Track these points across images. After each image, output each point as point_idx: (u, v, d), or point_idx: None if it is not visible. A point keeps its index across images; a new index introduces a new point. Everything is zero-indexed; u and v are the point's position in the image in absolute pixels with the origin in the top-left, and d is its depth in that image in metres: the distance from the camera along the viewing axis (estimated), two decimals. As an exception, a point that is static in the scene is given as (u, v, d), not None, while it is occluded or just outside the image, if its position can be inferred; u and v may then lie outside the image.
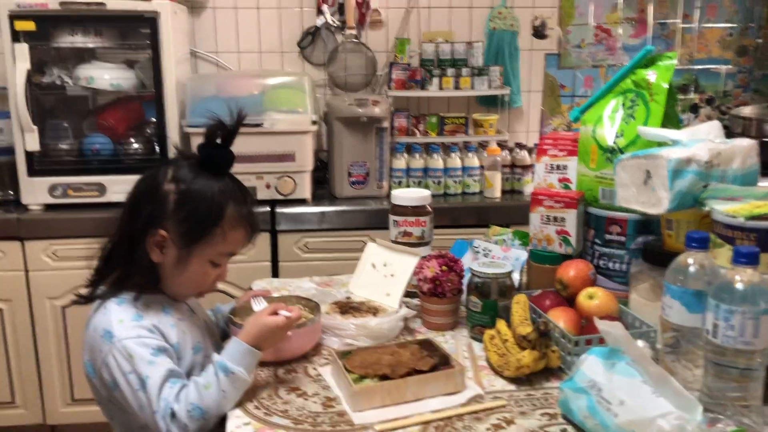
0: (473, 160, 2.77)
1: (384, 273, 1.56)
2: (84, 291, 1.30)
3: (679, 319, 1.14)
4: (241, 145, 2.46)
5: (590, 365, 1.11)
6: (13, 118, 2.41)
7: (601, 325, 1.09)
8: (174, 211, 1.22)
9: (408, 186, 2.75)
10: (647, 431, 0.97)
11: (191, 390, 1.16)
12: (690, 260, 1.13)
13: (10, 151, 2.51)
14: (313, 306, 1.43)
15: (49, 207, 2.52)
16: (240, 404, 1.18)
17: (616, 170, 1.31)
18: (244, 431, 1.11)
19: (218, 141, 1.24)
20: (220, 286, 2.52)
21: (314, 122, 2.58)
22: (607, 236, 1.47)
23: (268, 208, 2.52)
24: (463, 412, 1.16)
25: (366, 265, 1.61)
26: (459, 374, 1.22)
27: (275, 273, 2.57)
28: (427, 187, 2.75)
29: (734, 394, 1.06)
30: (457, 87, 2.87)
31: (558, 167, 1.58)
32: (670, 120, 1.47)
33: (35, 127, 2.41)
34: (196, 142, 2.50)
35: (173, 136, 2.50)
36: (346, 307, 1.50)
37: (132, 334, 1.20)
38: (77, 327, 2.52)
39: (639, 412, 0.99)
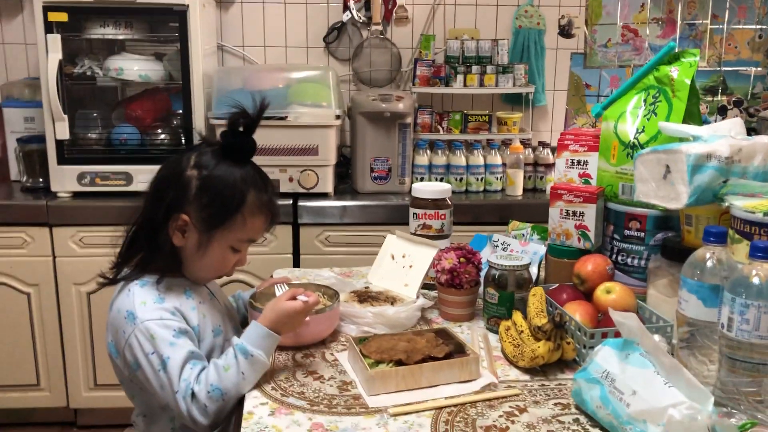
0: (496, 158, 2.78)
1: (403, 264, 1.58)
2: (108, 273, 1.34)
3: (695, 313, 1.14)
4: (265, 138, 2.54)
5: (604, 356, 1.11)
6: (45, 108, 2.47)
7: (616, 315, 1.10)
8: (196, 197, 1.25)
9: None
10: (658, 420, 0.97)
11: (211, 371, 1.19)
12: (707, 254, 1.13)
13: (41, 139, 2.56)
14: (331, 294, 1.45)
15: (77, 195, 2.58)
16: (257, 386, 1.21)
17: (636, 164, 1.31)
18: (261, 411, 1.13)
19: (241, 129, 1.26)
20: (241, 276, 2.59)
21: (338, 116, 2.60)
22: (627, 232, 1.48)
23: (290, 201, 2.54)
24: (476, 399, 1.17)
25: (385, 256, 1.63)
26: (473, 362, 1.23)
27: (296, 265, 2.59)
28: (449, 183, 2.76)
29: (748, 389, 1.06)
30: (481, 84, 2.88)
31: (578, 162, 1.59)
32: (693, 118, 1.47)
33: (66, 117, 2.47)
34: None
35: (199, 127, 2.54)
36: (365, 296, 1.51)
37: (154, 315, 1.23)
38: (102, 313, 2.57)
39: (651, 402, 0.99)
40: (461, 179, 2.75)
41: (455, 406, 1.15)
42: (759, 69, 3.18)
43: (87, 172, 2.54)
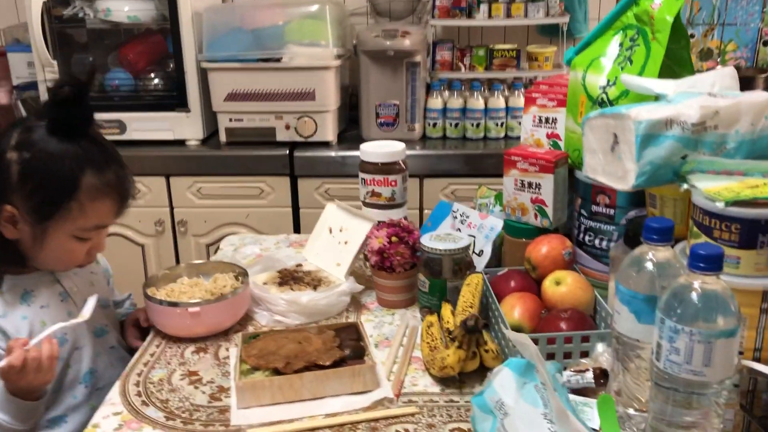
0: (519, 100, 2.47)
1: (339, 239, 1.38)
2: None
3: (626, 329, 0.89)
4: (259, 82, 2.35)
5: (502, 380, 0.89)
6: (33, 53, 2.37)
7: (513, 335, 0.87)
8: (19, 184, 1.07)
9: (444, 129, 2.50)
10: (537, 480, 0.76)
11: None
12: (647, 257, 0.87)
13: (36, 86, 2.48)
14: (242, 274, 1.27)
15: (72, 144, 2.50)
16: (123, 386, 1.07)
17: (584, 131, 1.04)
18: (108, 423, 0.99)
19: (70, 99, 1.06)
20: (242, 230, 2.45)
21: (339, 56, 2.37)
22: (594, 208, 1.21)
23: (286, 152, 2.36)
24: (359, 419, 0.98)
25: (323, 229, 1.43)
26: (368, 371, 1.03)
27: (296, 220, 2.44)
28: (464, 129, 2.49)
29: (687, 420, 0.82)
30: (508, 15, 2.54)
31: (547, 120, 1.32)
32: (683, 65, 1.17)
33: (54, 62, 2.36)
34: (214, 78, 2.39)
35: (191, 71, 2.38)
36: (288, 278, 1.33)
37: None
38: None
39: (531, 455, 0.77)
40: (478, 124, 2.47)
41: (331, 427, 0.97)
42: None
43: (80, 120, 2.44)
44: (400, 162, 1.43)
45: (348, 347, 1.08)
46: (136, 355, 1.17)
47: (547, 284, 1.15)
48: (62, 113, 1.07)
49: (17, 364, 1.00)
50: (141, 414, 1.01)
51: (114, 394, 1.06)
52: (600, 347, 1.03)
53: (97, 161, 1.10)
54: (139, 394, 1.06)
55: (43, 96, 2.43)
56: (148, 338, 1.23)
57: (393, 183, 1.42)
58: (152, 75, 2.49)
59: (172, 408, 1.02)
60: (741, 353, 0.88)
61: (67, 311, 1.19)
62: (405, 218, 1.42)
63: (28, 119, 1.13)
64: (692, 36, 2.75)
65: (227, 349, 1.18)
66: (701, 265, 0.78)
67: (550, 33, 2.75)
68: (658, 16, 1.11)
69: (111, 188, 1.12)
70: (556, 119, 1.30)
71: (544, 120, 1.32)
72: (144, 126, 2.44)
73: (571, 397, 0.97)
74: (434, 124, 2.50)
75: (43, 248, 1.12)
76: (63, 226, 1.10)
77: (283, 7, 2.43)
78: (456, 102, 2.48)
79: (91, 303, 1.14)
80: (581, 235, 1.24)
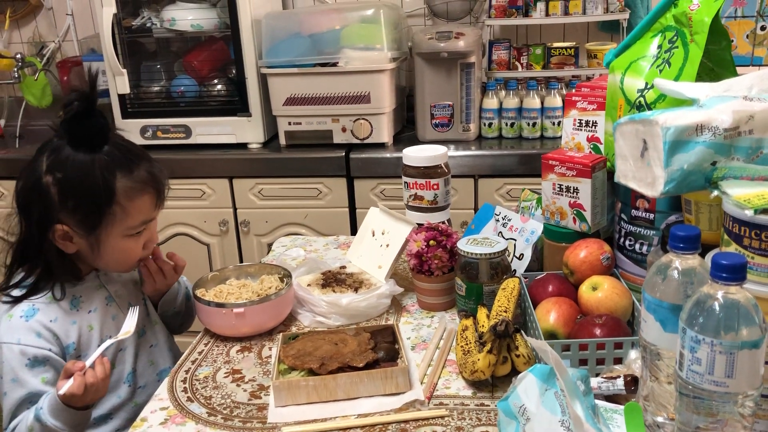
0: (576, 98, 2.43)
1: (381, 242, 1.41)
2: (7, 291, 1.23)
3: (654, 338, 0.89)
4: (316, 87, 2.40)
5: (526, 386, 0.90)
6: (105, 62, 2.50)
7: (532, 341, 0.88)
8: (61, 203, 1.15)
9: (499, 128, 2.49)
10: (552, 487, 0.77)
11: (21, 427, 1.14)
12: (673, 265, 0.86)
13: (108, 93, 2.61)
14: (286, 276, 1.32)
15: (142, 148, 2.62)
16: (170, 382, 1.13)
17: (615, 137, 1.03)
18: (155, 417, 1.05)
19: (80, 112, 1.12)
20: (302, 230, 2.52)
21: (394, 59, 2.40)
22: (634, 212, 1.20)
23: (342, 153, 2.41)
24: (390, 420, 1.01)
25: (366, 232, 1.46)
26: (400, 374, 1.06)
27: (353, 220, 2.48)
28: (520, 129, 2.48)
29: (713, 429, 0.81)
30: (566, 12, 2.51)
31: (587, 123, 1.31)
32: (724, 66, 1.14)
33: (124, 71, 2.48)
34: (274, 83, 2.45)
35: (251, 77, 2.46)
36: (331, 279, 1.37)
37: (13, 338, 1.16)
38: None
39: (547, 462, 0.78)
40: (534, 124, 2.45)
41: (362, 427, 1.00)
42: None
43: (149, 125, 2.56)
44: (443, 165, 1.45)
45: (382, 349, 1.11)
46: (186, 353, 1.24)
47: (584, 289, 1.15)
48: (78, 127, 1.14)
49: (79, 392, 1.07)
50: (185, 409, 1.07)
51: (162, 389, 1.12)
52: (633, 354, 1.02)
53: (125, 163, 1.17)
54: (185, 390, 1.12)
55: (115, 103, 2.56)
56: (198, 337, 1.29)
57: (435, 186, 1.44)
58: (215, 81, 2.58)
59: (214, 404, 1.08)
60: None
61: (112, 315, 1.27)
62: (446, 221, 1.44)
63: (51, 142, 1.18)
64: (763, 28, 2.65)
65: (270, 349, 1.23)
66: (723, 275, 0.77)
67: (611, 29, 2.70)
68: (696, 18, 1.09)
69: (145, 184, 1.18)
70: (596, 122, 1.29)
71: (584, 123, 1.31)
72: (208, 130, 2.53)
73: (601, 404, 0.97)
74: (490, 124, 2.49)
75: (102, 254, 1.20)
76: (112, 230, 1.18)
77: (339, 12, 2.48)
78: (512, 101, 2.47)
79: (134, 315, 1.21)
80: (622, 240, 1.23)
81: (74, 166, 1.15)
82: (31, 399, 1.15)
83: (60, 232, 1.16)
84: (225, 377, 1.15)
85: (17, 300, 1.19)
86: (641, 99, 1.14)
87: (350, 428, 1.00)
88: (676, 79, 1.08)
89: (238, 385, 1.12)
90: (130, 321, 1.19)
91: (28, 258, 1.21)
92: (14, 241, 1.21)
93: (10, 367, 1.15)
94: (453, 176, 2.29)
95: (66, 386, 1.07)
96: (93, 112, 1.14)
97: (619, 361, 1.04)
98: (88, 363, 1.10)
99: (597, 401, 0.93)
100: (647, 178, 0.97)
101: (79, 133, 1.15)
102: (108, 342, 1.16)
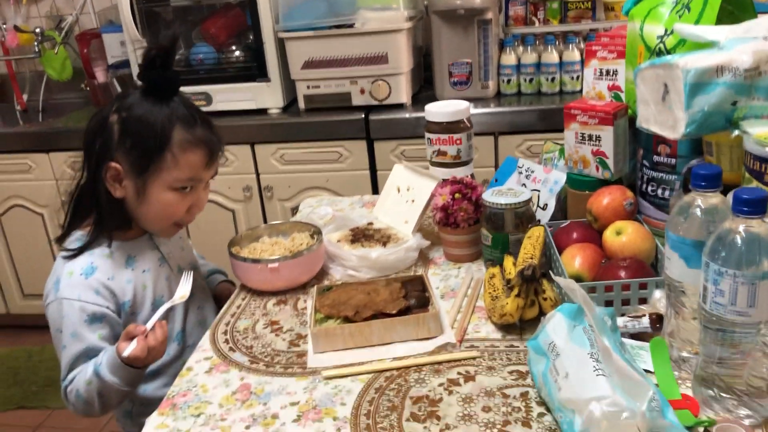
0: (594, 52, 2.43)
1: (406, 198, 1.45)
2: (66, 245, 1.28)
3: (678, 275, 0.92)
4: (333, 49, 2.42)
5: (554, 325, 0.94)
6: (124, 31, 2.53)
7: (561, 280, 0.92)
8: (120, 141, 1.20)
9: (518, 84, 2.50)
10: (583, 413, 0.81)
11: (80, 379, 1.19)
12: (695, 203, 0.89)
13: (128, 64, 2.65)
14: (316, 232, 1.36)
15: (165, 117, 2.66)
16: (212, 336, 1.19)
17: (636, 82, 1.05)
18: (199, 367, 1.11)
19: (157, 60, 1.17)
20: (324, 194, 2.56)
21: (411, 18, 2.40)
22: (656, 158, 1.22)
23: (362, 116, 2.43)
24: (424, 362, 1.05)
25: (392, 189, 1.50)
26: (432, 319, 1.10)
27: (374, 182, 2.52)
28: (539, 84, 2.48)
29: (731, 367, 0.85)
30: (582, -35, 2.50)
31: (608, 72, 1.32)
32: (744, 9, 1.15)
33: (143, 40, 2.51)
34: (291, 47, 2.47)
35: (269, 42, 2.48)
36: (360, 235, 1.41)
37: (73, 294, 1.21)
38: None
39: (577, 391, 0.83)
40: (553, 79, 2.46)
41: (397, 369, 1.05)
42: None
43: (170, 94, 2.59)
44: (465, 120, 1.48)
45: (413, 297, 1.15)
46: (224, 308, 1.29)
47: (608, 234, 1.18)
48: (152, 76, 1.18)
49: (142, 356, 1.13)
50: (228, 358, 1.12)
51: (205, 341, 1.18)
52: (657, 293, 1.05)
53: (186, 119, 1.21)
54: (226, 342, 1.17)
55: (135, 73, 2.60)
56: (235, 292, 1.34)
57: (458, 141, 1.47)
58: (233, 47, 2.61)
59: (255, 353, 1.13)
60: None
61: (165, 275, 1.33)
62: (471, 175, 1.47)
63: (129, 89, 1.26)
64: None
65: (305, 301, 1.28)
66: (744, 209, 0.80)
67: (627, -20, 2.67)
68: (716, -39, 1.10)
69: (200, 141, 1.22)
70: (617, 71, 1.30)
71: (605, 72, 1.33)
72: (228, 97, 2.56)
73: (627, 341, 1.01)
74: (508, 81, 2.50)
75: (145, 202, 1.23)
76: (160, 177, 1.21)
77: (354, -27, 2.48)
78: (530, 57, 2.48)
79: (188, 280, 1.26)
80: (644, 186, 1.26)
81: (140, 108, 1.20)
82: (88, 353, 1.21)
83: (113, 171, 1.21)
84: (264, 328, 1.20)
85: (75, 255, 1.25)
86: (661, 45, 1.16)
87: (387, 370, 1.05)
88: (696, 23, 1.10)
89: (276, 335, 1.18)
90: (186, 286, 1.25)
91: (83, 206, 1.26)
92: (71, 191, 1.26)
93: (71, 322, 1.21)
94: (476, 134, 2.32)
95: (129, 348, 1.13)
96: (168, 64, 1.19)
97: (643, 301, 1.08)
98: (148, 326, 1.15)
99: (623, 339, 0.97)
100: (669, 121, 1.00)
101: (152, 82, 1.19)
102: (165, 305, 1.21)
